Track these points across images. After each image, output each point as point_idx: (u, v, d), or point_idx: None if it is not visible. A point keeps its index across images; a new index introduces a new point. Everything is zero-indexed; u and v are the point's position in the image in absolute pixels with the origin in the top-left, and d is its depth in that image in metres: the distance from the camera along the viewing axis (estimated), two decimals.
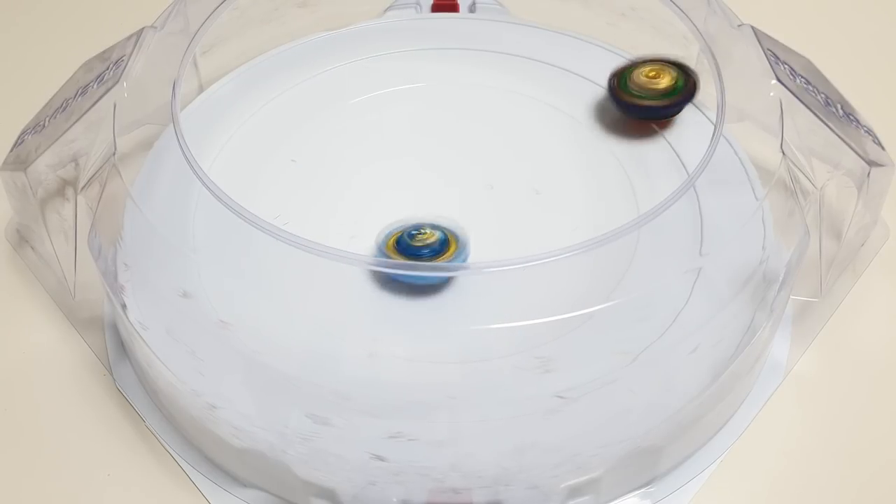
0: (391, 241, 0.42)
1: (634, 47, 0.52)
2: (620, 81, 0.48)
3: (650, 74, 0.48)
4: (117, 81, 0.43)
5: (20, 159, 0.45)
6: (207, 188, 0.39)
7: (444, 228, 0.42)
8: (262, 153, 0.48)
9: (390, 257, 0.41)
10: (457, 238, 0.42)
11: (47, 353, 0.45)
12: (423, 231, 0.42)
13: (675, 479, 0.41)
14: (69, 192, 0.46)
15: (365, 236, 0.44)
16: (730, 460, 0.42)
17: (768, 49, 0.45)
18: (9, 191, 0.46)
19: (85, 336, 0.46)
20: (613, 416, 0.38)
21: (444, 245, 0.41)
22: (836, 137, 0.43)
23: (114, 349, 0.45)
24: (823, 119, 0.43)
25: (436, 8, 0.55)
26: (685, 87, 0.47)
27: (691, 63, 0.50)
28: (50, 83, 0.48)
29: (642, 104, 0.47)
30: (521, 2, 0.55)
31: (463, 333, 0.39)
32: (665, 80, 0.47)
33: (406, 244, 0.41)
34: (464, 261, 0.41)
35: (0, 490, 0.41)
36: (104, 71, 0.45)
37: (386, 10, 0.55)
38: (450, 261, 0.41)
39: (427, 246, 0.41)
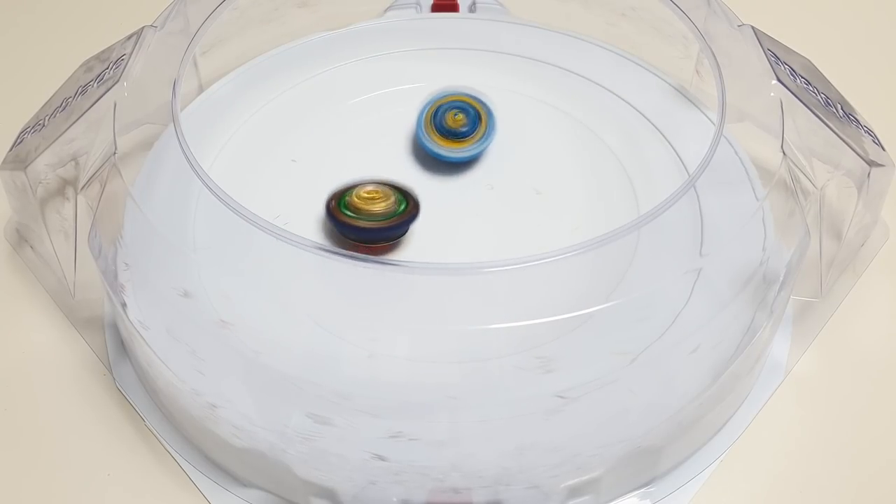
0: (428, 115, 0.46)
1: (634, 47, 0.52)
2: (339, 202, 0.44)
3: (367, 196, 0.44)
4: (117, 81, 0.43)
5: (20, 158, 0.45)
6: (208, 188, 0.39)
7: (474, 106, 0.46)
8: (262, 153, 0.48)
9: (428, 133, 0.46)
10: (488, 112, 0.46)
11: (47, 353, 0.45)
12: (456, 114, 0.46)
13: (675, 479, 0.41)
14: (69, 191, 0.46)
15: None
16: (730, 460, 0.42)
17: (768, 49, 0.45)
18: (8, 190, 0.46)
19: (85, 336, 0.46)
20: (613, 416, 0.38)
21: (476, 123, 0.46)
22: (836, 137, 0.43)
23: (114, 349, 0.45)
24: (823, 119, 0.43)
25: (436, 8, 0.55)
26: (406, 210, 0.44)
27: (691, 63, 0.50)
28: (50, 83, 0.48)
29: (358, 225, 0.43)
30: (521, 2, 0.55)
31: (463, 333, 0.39)
32: (382, 204, 0.44)
33: (442, 125, 0.46)
34: (491, 133, 0.47)
35: (0, 490, 0.41)
36: (104, 70, 0.45)
37: (386, 10, 0.55)
38: (482, 138, 0.46)
39: (461, 127, 0.46)
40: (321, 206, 0.46)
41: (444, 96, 0.47)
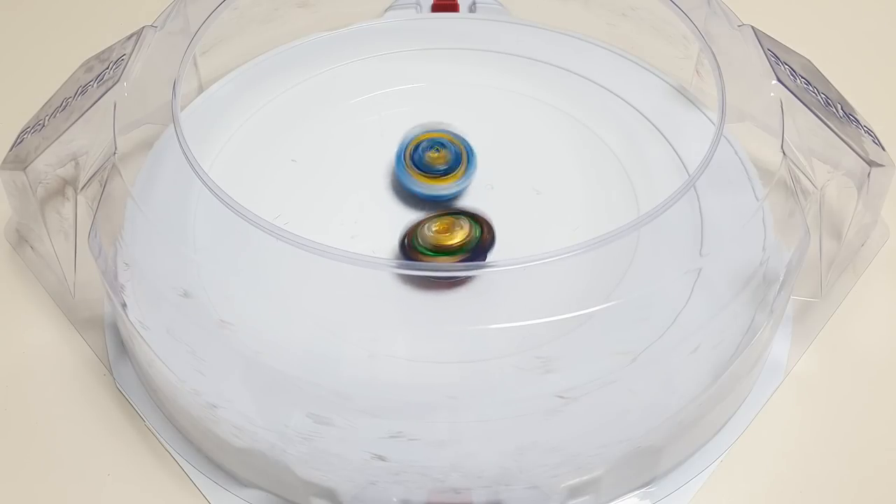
0: (408, 153, 0.45)
1: (634, 47, 0.52)
2: (412, 240, 0.43)
3: (439, 230, 0.43)
4: (117, 81, 0.43)
5: (20, 158, 0.45)
6: (208, 188, 0.39)
7: (455, 142, 0.45)
8: (262, 153, 0.48)
9: (407, 169, 0.45)
10: (468, 151, 0.45)
11: (47, 353, 0.45)
12: (435, 149, 0.45)
13: (675, 479, 0.41)
14: (69, 191, 0.46)
15: (365, 236, 0.44)
16: (730, 460, 0.42)
17: (768, 49, 0.45)
18: (8, 190, 0.46)
19: (85, 336, 0.46)
20: (613, 416, 0.38)
21: (457, 161, 0.45)
22: (836, 137, 0.43)
23: (114, 349, 0.45)
24: (823, 119, 0.43)
25: (436, 8, 0.55)
26: (481, 239, 0.43)
27: (691, 63, 0.50)
28: (50, 82, 0.48)
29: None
30: (521, 2, 0.55)
31: (463, 333, 0.39)
32: (457, 236, 0.42)
33: (421, 161, 0.45)
34: (472, 172, 0.45)
35: (0, 490, 0.41)
36: (104, 70, 0.45)
37: (386, 10, 0.55)
38: (463, 177, 0.45)
39: (439, 163, 0.45)
40: (321, 205, 0.46)
41: (423, 133, 0.46)
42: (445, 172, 0.45)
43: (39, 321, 0.46)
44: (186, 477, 0.42)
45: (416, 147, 0.46)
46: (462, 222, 0.43)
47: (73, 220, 0.44)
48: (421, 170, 0.45)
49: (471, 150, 0.46)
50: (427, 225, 0.43)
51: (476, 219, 0.43)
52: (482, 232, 0.43)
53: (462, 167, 0.45)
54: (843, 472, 0.42)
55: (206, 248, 0.43)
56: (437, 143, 0.46)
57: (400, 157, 0.46)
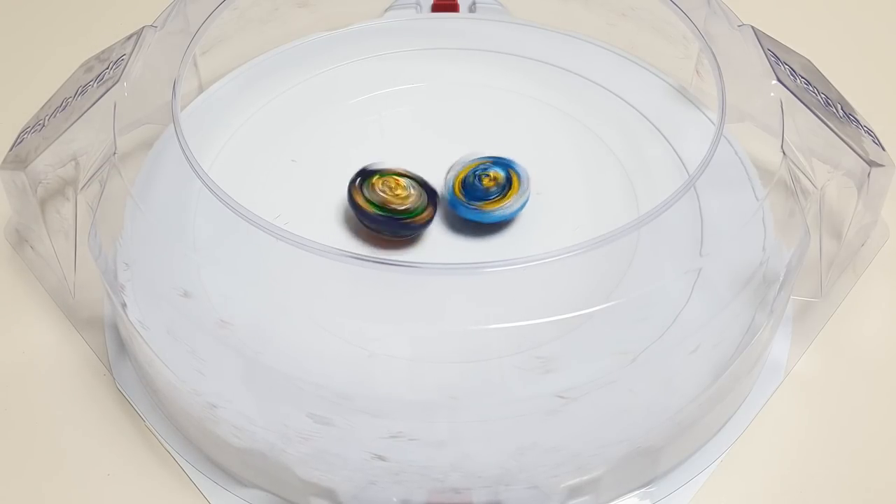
0: (457, 182, 0.44)
1: (634, 47, 0.52)
2: (364, 181, 0.44)
3: (393, 188, 0.43)
4: (117, 81, 0.43)
5: (20, 158, 0.45)
6: (208, 188, 0.39)
7: (505, 166, 0.45)
8: (262, 153, 0.48)
9: (459, 199, 0.44)
10: (518, 175, 0.44)
11: (47, 353, 0.45)
12: (487, 173, 0.44)
13: (675, 479, 0.41)
14: (69, 191, 0.46)
15: None
16: (730, 460, 0.42)
17: (768, 49, 0.45)
18: (8, 190, 0.46)
19: (85, 336, 0.46)
20: (613, 416, 0.38)
21: (508, 183, 0.44)
22: (836, 137, 0.43)
23: (114, 349, 0.45)
24: (823, 119, 0.43)
25: (436, 8, 0.55)
26: (424, 210, 0.43)
27: (691, 63, 0.50)
28: (50, 83, 0.48)
29: (373, 214, 0.43)
30: (521, 2, 0.55)
31: (463, 333, 0.39)
32: (408, 200, 0.43)
33: (472, 186, 0.44)
34: (527, 199, 0.44)
35: (0, 490, 0.41)
36: (104, 70, 0.45)
37: (386, 10, 0.55)
38: (515, 198, 0.44)
39: (493, 187, 0.44)
40: (321, 205, 0.46)
41: (474, 161, 0.45)
42: (495, 195, 0.44)
43: (39, 321, 0.46)
44: (186, 477, 0.42)
45: (468, 174, 0.45)
46: (413, 190, 0.44)
47: (73, 220, 0.44)
48: (472, 196, 0.44)
49: (521, 175, 0.45)
50: (384, 181, 0.44)
51: (430, 193, 0.44)
52: (427, 203, 0.44)
53: (513, 190, 0.44)
54: (843, 471, 0.42)
55: (206, 248, 0.43)
56: (488, 169, 0.44)
57: (450, 184, 0.45)
